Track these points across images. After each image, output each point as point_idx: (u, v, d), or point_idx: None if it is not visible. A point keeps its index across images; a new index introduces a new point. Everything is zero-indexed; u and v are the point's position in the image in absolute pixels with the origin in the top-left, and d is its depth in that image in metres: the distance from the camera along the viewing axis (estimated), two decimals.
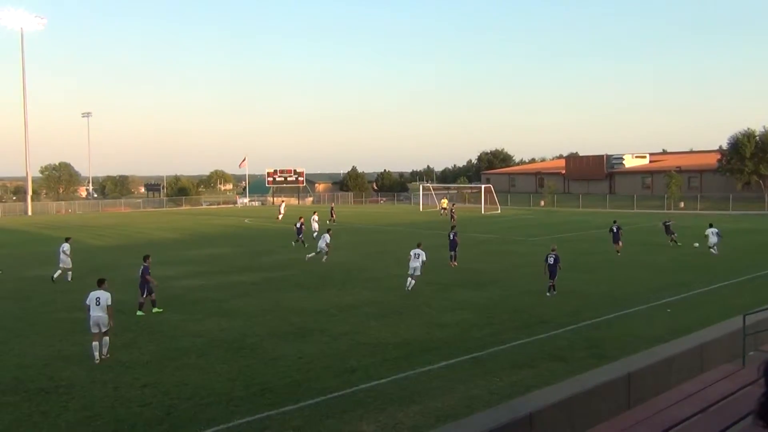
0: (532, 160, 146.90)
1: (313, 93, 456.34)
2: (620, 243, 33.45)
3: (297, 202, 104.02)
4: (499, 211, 72.83)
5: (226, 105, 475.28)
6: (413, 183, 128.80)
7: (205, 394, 12.52)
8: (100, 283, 15.49)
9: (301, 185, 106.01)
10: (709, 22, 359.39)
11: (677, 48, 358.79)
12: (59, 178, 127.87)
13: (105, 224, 59.72)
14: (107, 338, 14.98)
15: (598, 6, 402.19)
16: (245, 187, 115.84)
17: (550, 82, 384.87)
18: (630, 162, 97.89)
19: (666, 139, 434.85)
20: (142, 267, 20.01)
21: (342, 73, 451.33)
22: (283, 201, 76.12)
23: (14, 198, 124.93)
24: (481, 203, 74.79)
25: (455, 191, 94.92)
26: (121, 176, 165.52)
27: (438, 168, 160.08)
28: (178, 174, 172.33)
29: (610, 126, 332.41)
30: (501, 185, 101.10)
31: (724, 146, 78.59)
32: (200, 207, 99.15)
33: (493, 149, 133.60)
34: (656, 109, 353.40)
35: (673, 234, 36.36)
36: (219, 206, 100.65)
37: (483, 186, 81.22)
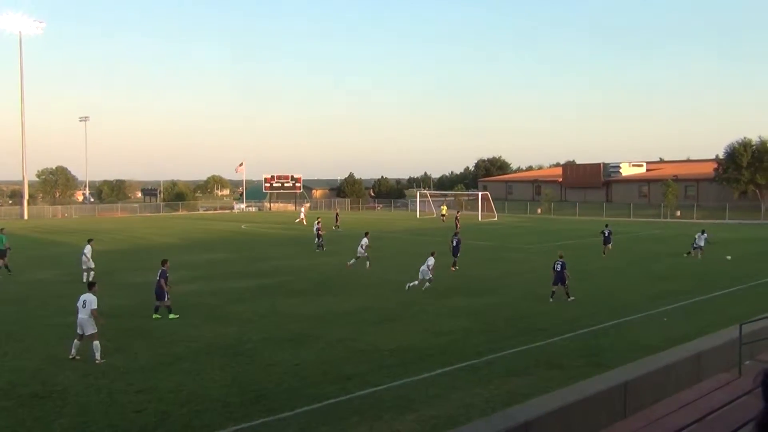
0: (529, 168, 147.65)
1: (311, 99, 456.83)
2: (609, 246, 36.26)
3: (294, 207, 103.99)
4: (496, 219, 72.84)
5: (224, 110, 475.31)
6: (410, 190, 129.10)
7: (200, 400, 12.46)
8: (90, 287, 15.72)
9: (298, 191, 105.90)
10: (708, 30, 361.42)
11: (675, 56, 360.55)
12: (56, 182, 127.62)
13: (101, 229, 59.54)
14: (98, 342, 14.96)
15: (596, 13, 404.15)
16: (242, 193, 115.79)
17: (548, 90, 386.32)
18: (627, 170, 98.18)
19: (663, 147, 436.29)
20: (159, 270, 20.14)
21: (340, 79, 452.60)
22: (305, 204, 74.66)
23: (10, 202, 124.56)
24: (478, 210, 74.84)
25: (452, 198, 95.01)
26: (118, 181, 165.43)
27: (435, 175, 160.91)
28: (175, 179, 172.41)
29: (608, 134, 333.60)
30: (498, 192, 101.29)
31: (721, 155, 78.84)
32: (197, 212, 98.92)
33: (491, 156, 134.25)
34: (653, 117, 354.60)
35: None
36: (216, 212, 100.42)
37: (480, 193, 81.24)
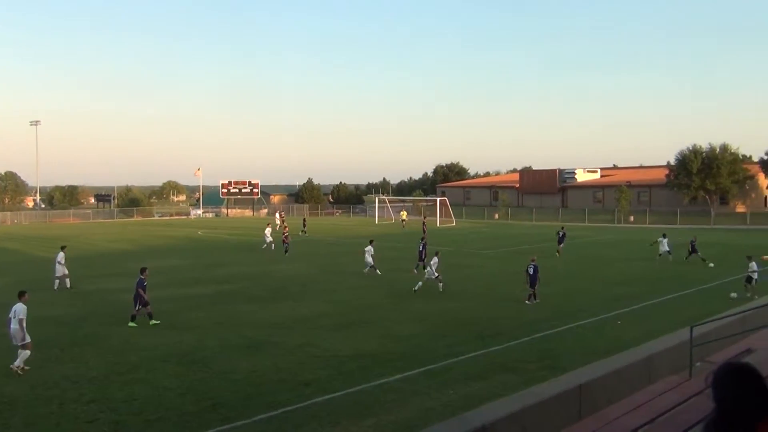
0: (487, 174, 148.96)
1: (268, 105, 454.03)
2: (561, 246, 38.91)
3: (252, 213, 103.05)
4: (454, 224, 73.34)
5: (180, 115, 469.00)
6: (369, 195, 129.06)
7: (155, 409, 12.23)
8: (21, 296, 15.25)
9: (255, 197, 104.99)
10: (661, 41, 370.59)
11: (628, 65, 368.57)
12: (5, 188, 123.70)
13: (53, 235, 58.04)
14: (28, 352, 14.63)
15: (549, 24, 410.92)
16: (199, 199, 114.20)
17: (505, 98, 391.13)
18: (582, 176, 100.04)
19: (617, 154, 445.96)
20: (138, 279, 19.93)
21: (297, 85, 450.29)
22: (281, 213, 73.67)
23: None
24: (436, 216, 75.23)
25: (411, 204, 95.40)
26: (70, 186, 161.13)
27: (394, 181, 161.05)
28: (130, 184, 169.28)
29: (563, 141, 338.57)
30: (456, 198, 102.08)
31: (672, 162, 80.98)
32: (152, 218, 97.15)
33: (449, 162, 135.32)
34: (607, 125, 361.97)
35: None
36: (171, 217, 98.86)
37: (438, 199, 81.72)
